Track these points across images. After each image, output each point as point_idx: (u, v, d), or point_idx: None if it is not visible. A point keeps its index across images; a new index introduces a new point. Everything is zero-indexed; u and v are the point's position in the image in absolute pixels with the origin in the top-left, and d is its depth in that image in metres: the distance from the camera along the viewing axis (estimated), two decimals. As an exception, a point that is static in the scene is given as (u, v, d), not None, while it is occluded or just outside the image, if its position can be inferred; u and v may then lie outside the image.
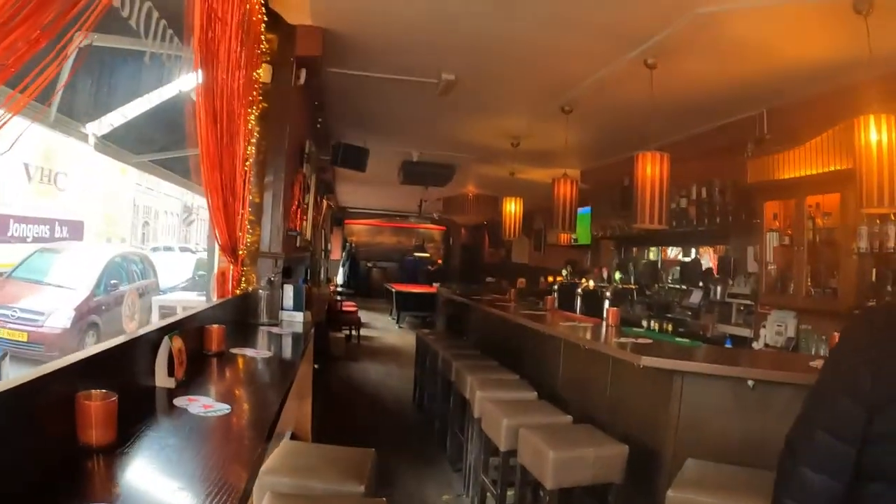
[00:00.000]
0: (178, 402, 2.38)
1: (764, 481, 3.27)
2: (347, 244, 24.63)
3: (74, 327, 9.01)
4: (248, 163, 4.43)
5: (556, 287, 8.20)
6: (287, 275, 5.27)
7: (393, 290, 18.38)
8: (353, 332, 13.98)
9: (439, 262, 26.51)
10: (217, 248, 4.43)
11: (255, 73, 4.47)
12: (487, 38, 5.43)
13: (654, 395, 4.17)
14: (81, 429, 1.82)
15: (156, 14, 3.48)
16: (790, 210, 6.57)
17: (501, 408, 4.57)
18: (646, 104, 5.74)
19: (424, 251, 26.33)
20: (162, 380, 2.56)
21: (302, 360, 4.17)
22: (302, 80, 5.46)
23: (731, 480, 3.29)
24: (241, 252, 4.46)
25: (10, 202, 9.46)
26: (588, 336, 5.26)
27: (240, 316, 4.57)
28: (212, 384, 2.84)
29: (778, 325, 6.65)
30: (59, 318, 9.02)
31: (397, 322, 18.11)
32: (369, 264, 26.11)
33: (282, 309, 4.94)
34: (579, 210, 8.48)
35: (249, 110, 4.37)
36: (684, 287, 9.04)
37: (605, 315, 5.98)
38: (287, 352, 4.00)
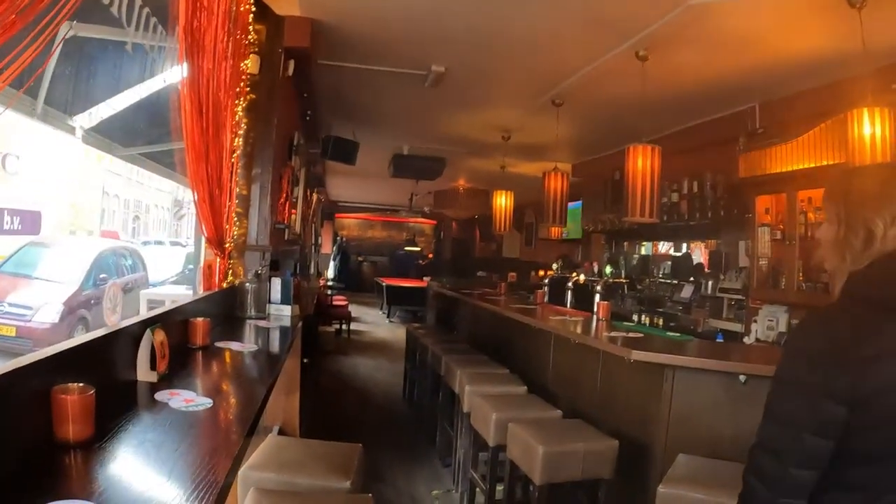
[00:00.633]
0: (160, 396, 2.33)
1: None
2: (338, 238, 24.60)
3: (63, 322, 9.00)
4: (235, 155, 4.37)
5: (546, 281, 8.15)
6: (275, 268, 5.22)
7: (383, 284, 18.37)
8: (344, 327, 13.97)
9: (430, 256, 26.54)
10: (203, 240, 4.37)
11: (242, 64, 4.41)
12: (477, 30, 5.39)
13: (645, 389, 4.14)
14: (58, 424, 1.77)
15: (139, 2, 3.42)
16: (782, 204, 6.54)
17: (490, 402, 4.54)
18: (637, 97, 5.70)
19: (415, 245, 26.30)
20: (144, 374, 2.51)
21: (289, 354, 4.13)
22: (290, 72, 5.41)
23: (722, 475, 3.26)
24: (227, 245, 4.41)
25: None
26: (578, 330, 5.23)
27: (226, 309, 4.52)
28: (195, 378, 2.79)
29: (769, 320, 6.63)
30: (47, 312, 9.00)
31: (388, 316, 18.10)
32: (360, 258, 26.10)
33: (269, 302, 4.89)
34: (570, 204, 8.45)
35: (237, 102, 4.31)
36: (675, 281, 9.03)
37: (595, 309, 5.95)
38: (274, 345, 3.96)
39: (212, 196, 3.90)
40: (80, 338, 2.17)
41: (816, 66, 5.59)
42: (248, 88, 4.57)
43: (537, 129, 8.52)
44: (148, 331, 2.53)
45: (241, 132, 4.52)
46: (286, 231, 6.18)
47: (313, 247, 14.20)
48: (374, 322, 17.28)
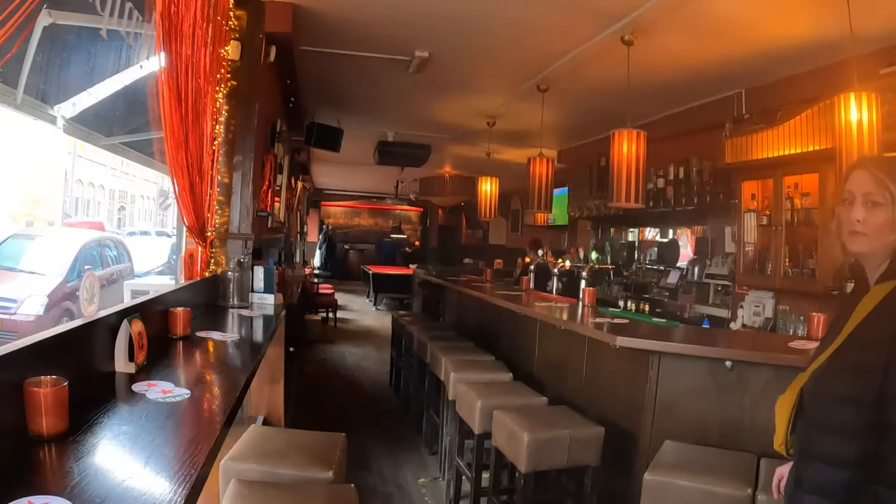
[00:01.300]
0: (137, 387, 2.30)
1: (742, 462, 3.24)
2: (324, 226, 24.55)
3: (48, 314, 8.94)
4: (216, 142, 4.32)
5: (532, 268, 8.12)
6: (258, 256, 5.18)
7: (370, 272, 18.34)
8: (330, 315, 13.94)
9: (416, 243, 26.52)
10: (185, 229, 4.33)
11: (222, 50, 4.35)
12: (461, 15, 5.34)
13: (631, 375, 4.13)
14: (31, 417, 1.74)
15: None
16: (768, 190, 6.54)
17: (476, 390, 4.53)
18: (623, 83, 5.66)
19: (401, 233, 26.26)
20: (122, 365, 2.47)
21: (271, 343, 4.10)
22: (272, 58, 5.35)
23: (708, 462, 3.26)
24: (209, 233, 4.37)
25: None
26: (564, 316, 5.21)
27: (209, 298, 4.48)
28: (174, 369, 2.75)
29: (756, 306, 6.65)
30: (32, 305, 8.95)
31: (374, 304, 18.10)
32: (346, 246, 26.06)
33: (252, 291, 4.85)
34: (556, 191, 8.44)
35: (217, 88, 4.26)
36: (662, 268, 9.04)
37: (581, 295, 5.94)
38: (256, 334, 3.92)
39: (192, 184, 3.84)
40: (55, 329, 2.13)
41: (803, 52, 5.56)
42: (228, 75, 4.52)
43: (522, 115, 8.48)
44: (125, 321, 2.49)
45: (221, 119, 4.47)
46: (269, 219, 6.12)
47: (299, 235, 14.16)
48: (360, 310, 17.26)
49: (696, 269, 8.00)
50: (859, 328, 1.87)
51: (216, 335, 3.51)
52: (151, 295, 3.32)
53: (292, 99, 7.48)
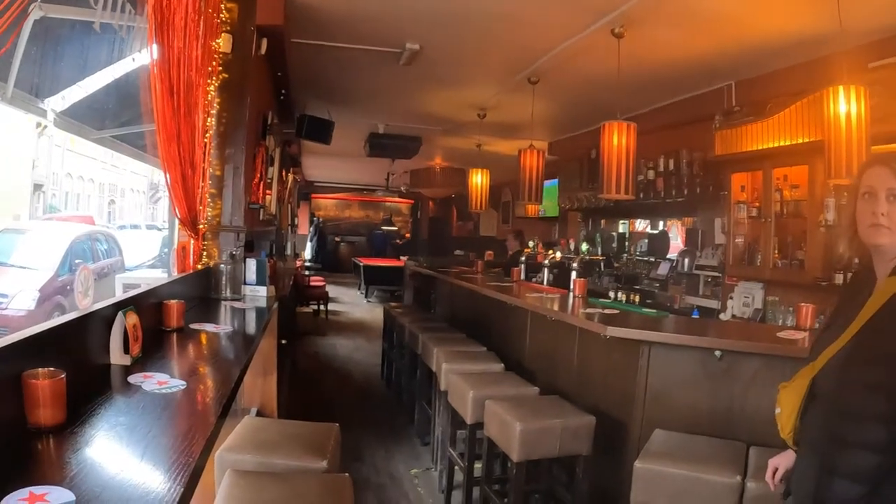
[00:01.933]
0: (133, 379, 2.31)
1: (731, 451, 3.28)
2: (315, 219, 24.51)
3: (40, 308, 8.90)
4: (207, 135, 4.32)
5: (523, 259, 8.14)
6: (250, 249, 5.19)
7: (361, 264, 18.31)
8: (321, 307, 13.93)
9: (407, 235, 26.50)
10: (177, 222, 4.33)
11: (214, 43, 4.34)
12: (452, 8, 5.35)
13: (622, 365, 4.16)
14: (29, 409, 1.75)
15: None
16: (758, 182, 6.58)
17: (467, 380, 4.55)
18: (613, 75, 5.68)
19: (392, 225, 26.25)
20: (117, 357, 2.49)
21: (264, 335, 4.11)
22: (263, 50, 5.34)
23: (698, 451, 3.30)
24: (201, 226, 4.37)
25: None
26: (555, 307, 5.24)
27: (201, 291, 4.48)
28: (169, 360, 2.76)
29: (745, 297, 6.69)
30: (23, 299, 8.90)
31: (365, 296, 18.09)
32: (337, 239, 25.99)
33: (244, 283, 4.85)
34: (547, 182, 8.45)
35: (209, 81, 4.26)
36: (652, 259, 9.07)
37: (571, 286, 5.97)
38: (249, 326, 3.92)
39: (184, 177, 3.85)
40: (51, 322, 2.14)
41: (793, 45, 5.59)
42: (220, 68, 4.52)
43: (513, 107, 8.50)
44: (120, 314, 2.50)
45: (213, 112, 4.47)
46: (261, 211, 6.13)
47: (290, 227, 14.14)
48: (351, 302, 17.26)
49: (686, 260, 8.03)
50: (878, 317, 1.89)
51: (210, 327, 3.52)
52: (145, 288, 3.32)
53: (283, 91, 7.47)
